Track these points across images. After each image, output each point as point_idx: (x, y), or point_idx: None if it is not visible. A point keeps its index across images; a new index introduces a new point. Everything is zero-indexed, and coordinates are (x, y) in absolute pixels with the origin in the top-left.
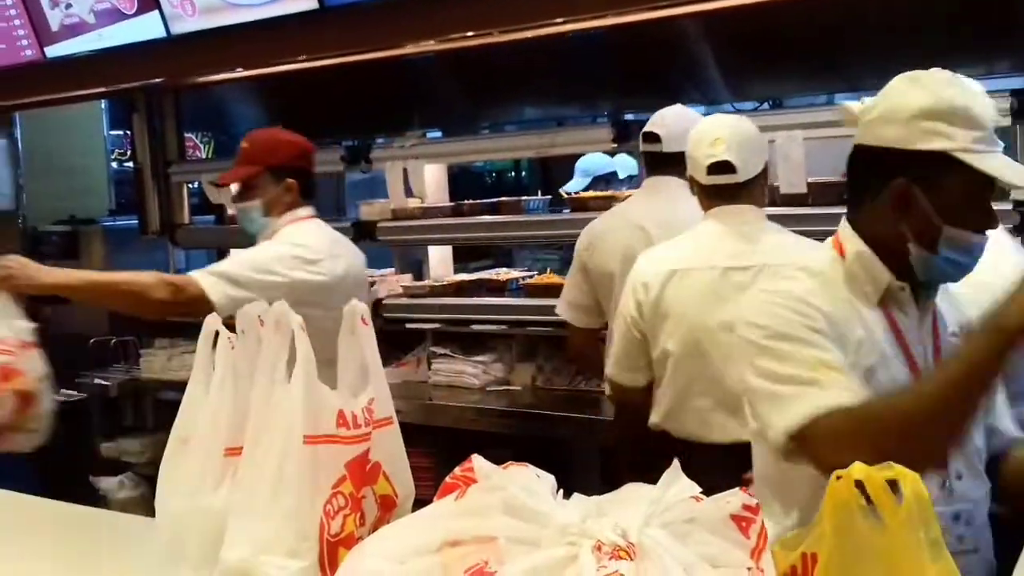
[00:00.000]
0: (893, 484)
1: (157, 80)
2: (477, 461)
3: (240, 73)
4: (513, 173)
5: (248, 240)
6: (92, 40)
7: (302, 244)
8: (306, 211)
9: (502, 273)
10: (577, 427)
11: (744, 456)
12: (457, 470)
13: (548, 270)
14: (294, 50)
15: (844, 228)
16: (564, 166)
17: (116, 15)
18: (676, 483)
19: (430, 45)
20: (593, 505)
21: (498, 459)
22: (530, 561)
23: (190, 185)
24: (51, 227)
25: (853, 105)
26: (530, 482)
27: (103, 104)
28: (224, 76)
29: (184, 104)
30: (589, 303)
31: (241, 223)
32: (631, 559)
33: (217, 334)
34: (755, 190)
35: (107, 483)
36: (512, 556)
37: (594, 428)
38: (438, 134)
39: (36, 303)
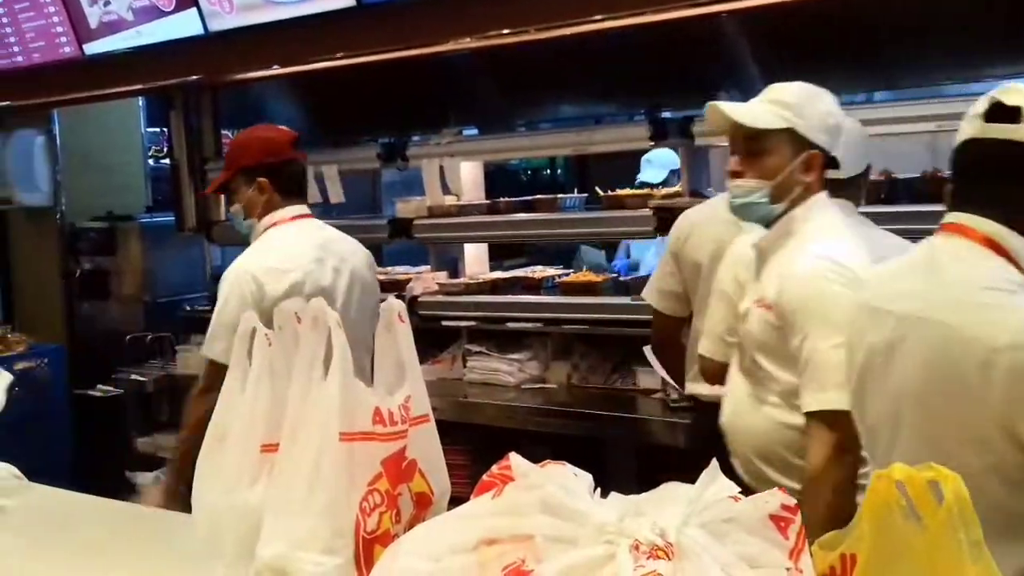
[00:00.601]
0: (934, 484)
1: (194, 77)
2: (514, 459)
3: (277, 71)
4: (549, 171)
5: None
6: (130, 37)
7: (255, 263)
8: (291, 211)
9: (537, 271)
10: (613, 425)
11: None
12: (494, 468)
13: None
14: (331, 47)
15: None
16: (600, 164)
17: (154, 12)
18: (714, 482)
19: (466, 43)
20: (631, 504)
21: (534, 457)
22: (567, 560)
23: None
24: (89, 223)
25: (726, 106)
26: (567, 480)
27: (140, 101)
28: (261, 73)
29: (221, 102)
30: (678, 291)
31: (236, 229)
32: (669, 559)
33: (254, 331)
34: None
35: (143, 478)
36: (549, 554)
37: (630, 427)
38: (474, 131)
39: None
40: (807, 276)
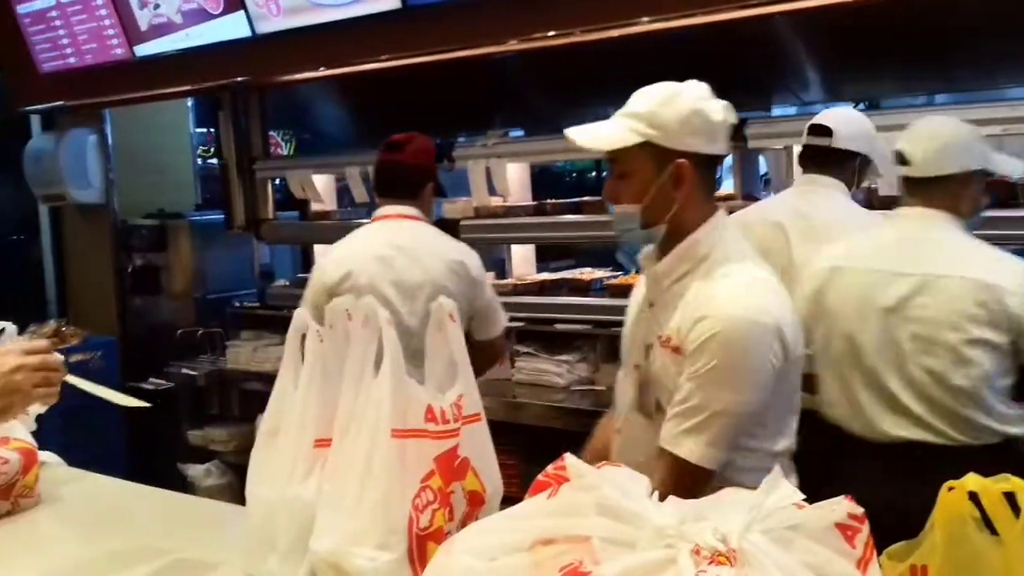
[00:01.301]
0: (1010, 497)
1: (242, 79)
2: (570, 460)
3: (323, 72)
4: (594, 173)
5: (331, 236)
6: (179, 39)
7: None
8: (379, 211)
9: (586, 272)
10: None
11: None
12: (549, 468)
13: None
14: (376, 49)
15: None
16: None
17: (202, 15)
18: (777, 488)
19: (512, 44)
20: (689, 508)
21: (582, 459)
22: (626, 562)
23: (274, 181)
24: (141, 220)
25: (572, 132)
26: (624, 482)
27: (189, 102)
28: (307, 75)
29: (268, 103)
30: None
31: None
32: (731, 565)
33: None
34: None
35: (194, 470)
36: (606, 556)
37: None
38: (519, 133)
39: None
40: (727, 329)
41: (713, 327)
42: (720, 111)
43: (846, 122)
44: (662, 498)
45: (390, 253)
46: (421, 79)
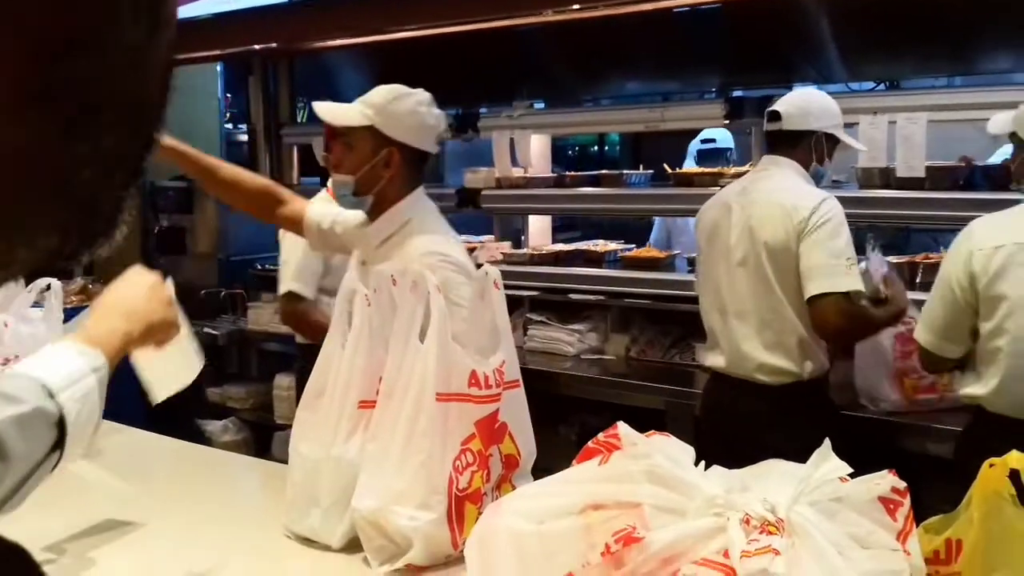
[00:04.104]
0: None
1: (273, 45)
2: (622, 428)
3: (352, 40)
4: (596, 148)
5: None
6: (212, 4)
7: None
8: None
9: (600, 244)
10: (671, 398)
11: None
12: (600, 436)
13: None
14: (405, 18)
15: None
16: (657, 142)
17: None
18: (826, 462)
19: (538, 16)
20: (736, 479)
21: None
22: (679, 529)
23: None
24: (168, 183)
25: (319, 105)
26: (674, 451)
27: (219, 67)
28: (337, 42)
29: (296, 69)
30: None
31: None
32: (780, 534)
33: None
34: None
35: (212, 426)
36: (657, 523)
37: (687, 400)
38: (540, 105)
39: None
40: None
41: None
42: (434, 118)
43: (799, 105)
44: None
45: None
46: (446, 50)
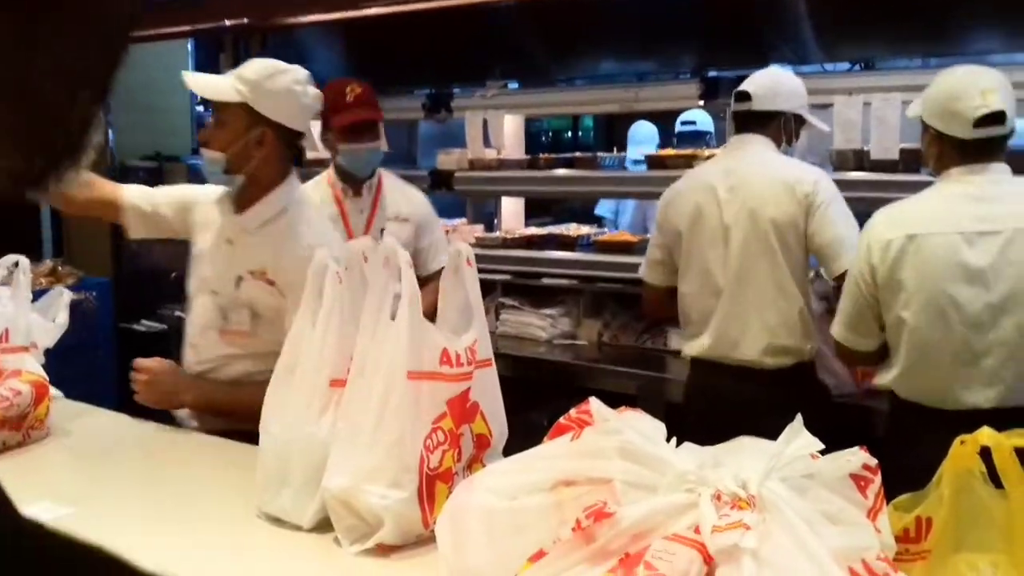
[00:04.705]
0: (1021, 453)
1: (244, 21)
2: (594, 404)
3: (324, 16)
4: (570, 133)
5: None
6: None
7: None
8: None
9: (572, 228)
10: (643, 383)
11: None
12: (572, 412)
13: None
14: None
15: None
16: (629, 125)
17: None
18: (797, 438)
19: None
20: (708, 455)
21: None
22: (650, 505)
23: None
24: (138, 162)
25: (189, 76)
26: (645, 427)
27: (190, 45)
28: (309, 18)
29: (268, 48)
30: (665, 261)
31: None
32: (751, 510)
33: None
34: (1005, 147)
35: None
36: (628, 499)
37: (659, 386)
38: (514, 86)
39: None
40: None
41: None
42: (310, 98)
43: (768, 85)
44: None
45: None
46: (419, 28)
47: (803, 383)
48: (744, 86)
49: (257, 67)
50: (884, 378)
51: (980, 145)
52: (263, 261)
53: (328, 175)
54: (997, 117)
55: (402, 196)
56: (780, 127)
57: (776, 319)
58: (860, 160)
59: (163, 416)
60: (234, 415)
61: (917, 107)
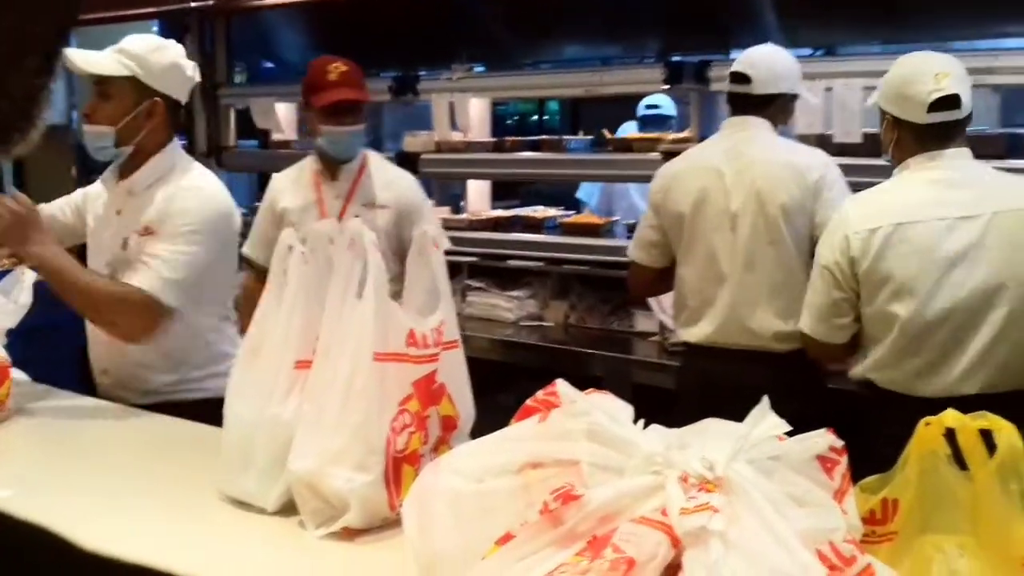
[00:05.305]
0: (986, 435)
1: (210, 2)
2: (561, 386)
3: None
4: (536, 116)
5: (287, 164)
6: None
7: None
8: None
9: (539, 210)
10: (609, 365)
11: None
12: (539, 394)
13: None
14: None
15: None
16: (596, 110)
17: None
18: (764, 420)
19: None
20: (675, 437)
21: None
22: (618, 487)
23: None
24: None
25: (71, 53)
26: (613, 409)
27: (155, 27)
28: (275, 0)
29: (233, 30)
30: (659, 240)
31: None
32: (719, 492)
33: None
34: (964, 132)
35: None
36: (596, 481)
37: (625, 367)
38: (480, 69)
39: None
40: (195, 207)
41: (186, 204)
42: (191, 70)
43: (768, 66)
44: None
45: None
46: (385, 10)
47: (810, 366)
48: (742, 68)
49: (140, 42)
50: (860, 368)
51: (936, 129)
52: (149, 217)
53: (311, 159)
54: (951, 100)
55: (383, 182)
56: (779, 108)
57: (786, 304)
58: (823, 145)
59: (83, 388)
60: (64, 290)
61: (876, 95)
